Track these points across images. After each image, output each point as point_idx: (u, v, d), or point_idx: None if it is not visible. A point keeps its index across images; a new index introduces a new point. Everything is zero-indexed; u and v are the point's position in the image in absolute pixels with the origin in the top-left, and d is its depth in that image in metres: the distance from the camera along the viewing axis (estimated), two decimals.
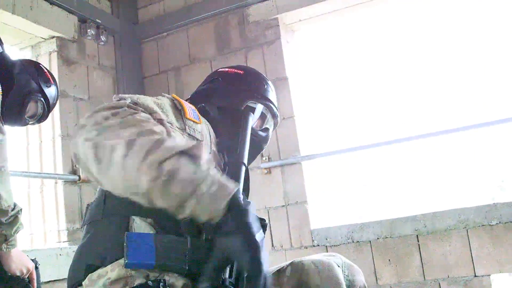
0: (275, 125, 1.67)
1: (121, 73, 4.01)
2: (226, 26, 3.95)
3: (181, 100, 1.34)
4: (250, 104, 1.56)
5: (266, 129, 1.64)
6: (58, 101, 2.32)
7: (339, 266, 1.33)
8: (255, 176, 3.64)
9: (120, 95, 1.17)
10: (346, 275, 1.34)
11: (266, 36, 3.79)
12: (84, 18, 3.73)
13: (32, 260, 2.00)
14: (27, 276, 1.96)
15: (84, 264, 1.24)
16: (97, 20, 3.82)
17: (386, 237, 3.18)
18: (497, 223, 2.94)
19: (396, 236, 3.16)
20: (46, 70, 2.22)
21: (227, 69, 1.64)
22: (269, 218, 3.64)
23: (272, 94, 1.64)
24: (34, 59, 3.59)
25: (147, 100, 1.21)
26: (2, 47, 2.00)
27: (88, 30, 3.74)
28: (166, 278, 1.18)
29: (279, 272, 1.31)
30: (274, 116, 1.64)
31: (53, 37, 3.54)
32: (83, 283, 1.21)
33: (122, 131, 0.98)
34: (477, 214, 3.00)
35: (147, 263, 1.17)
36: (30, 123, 2.20)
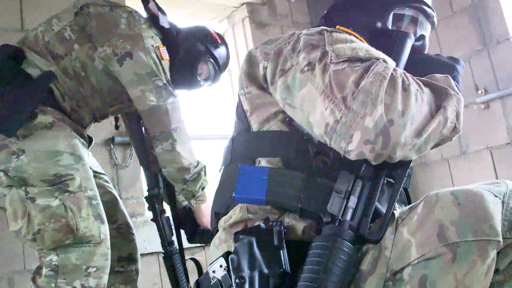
0: (432, 26, 1.39)
1: None
2: None
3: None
4: (397, 11, 1.31)
5: (422, 37, 1.37)
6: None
7: (496, 196, 0.98)
8: (471, 113, 3.21)
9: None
10: (511, 208, 0.98)
11: None
12: None
13: None
14: None
15: (213, 212, 1.24)
16: None
17: None
18: None
19: None
20: (213, 32, 2.26)
21: None
22: (492, 158, 3.20)
23: None
24: (230, 29, 3.76)
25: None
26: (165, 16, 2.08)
27: None
28: (286, 220, 1.08)
29: (410, 210, 1.00)
30: (428, 17, 1.36)
31: (243, 3, 3.62)
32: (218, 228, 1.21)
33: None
34: None
35: (257, 199, 1.08)
36: (205, 85, 2.28)
